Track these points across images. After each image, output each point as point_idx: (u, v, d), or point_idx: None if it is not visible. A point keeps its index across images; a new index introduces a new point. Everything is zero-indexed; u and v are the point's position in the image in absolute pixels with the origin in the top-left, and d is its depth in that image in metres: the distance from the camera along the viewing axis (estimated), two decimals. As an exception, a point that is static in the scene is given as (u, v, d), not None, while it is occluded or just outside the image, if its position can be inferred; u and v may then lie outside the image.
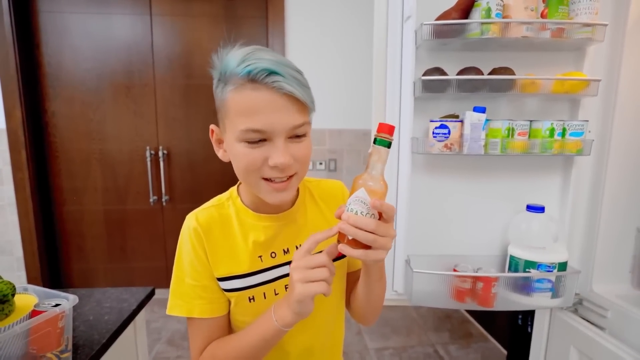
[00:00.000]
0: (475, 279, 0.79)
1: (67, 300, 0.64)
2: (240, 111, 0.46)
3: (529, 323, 1.35)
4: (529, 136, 0.81)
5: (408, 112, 0.81)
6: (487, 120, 0.80)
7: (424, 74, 0.81)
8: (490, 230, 0.92)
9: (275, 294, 0.56)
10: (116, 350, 0.80)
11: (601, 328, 0.87)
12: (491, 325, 2.06)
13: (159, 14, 2.27)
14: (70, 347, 0.66)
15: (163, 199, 2.42)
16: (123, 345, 0.84)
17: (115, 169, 2.40)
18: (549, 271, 0.80)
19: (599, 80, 0.77)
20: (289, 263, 0.55)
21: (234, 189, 0.61)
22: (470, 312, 2.28)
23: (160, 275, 2.50)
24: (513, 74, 0.80)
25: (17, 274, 2.31)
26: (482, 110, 0.78)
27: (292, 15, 2.25)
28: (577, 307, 0.95)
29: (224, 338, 0.56)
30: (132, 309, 0.85)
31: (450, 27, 0.76)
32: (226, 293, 0.55)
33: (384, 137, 0.44)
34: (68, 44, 2.24)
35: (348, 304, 0.65)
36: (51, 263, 2.44)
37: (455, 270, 0.82)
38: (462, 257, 0.90)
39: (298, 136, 0.48)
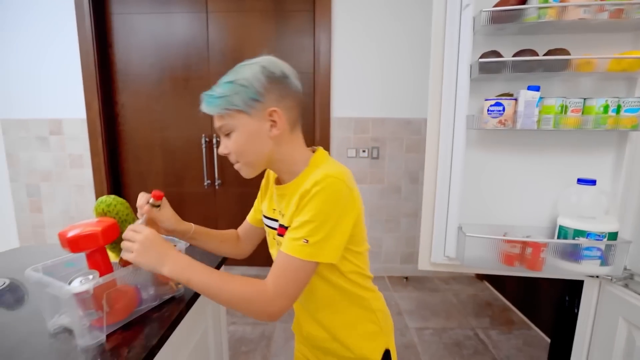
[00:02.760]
0: (525, 244, 0.86)
1: (181, 242, 0.80)
2: None
3: (576, 305, 1.36)
4: (582, 113, 0.86)
5: (464, 92, 0.89)
6: (540, 98, 0.86)
7: (481, 57, 0.88)
8: (540, 202, 0.97)
9: (273, 238, 0.75)
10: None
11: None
12: (534, 314, 2.06)
13: (214, 11, 2.45)
14: (182, 280, 0.82)
15: (216, 183, 2.63)
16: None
17: (174, 154, 2.64)
18: (598, 240, 0.84)
19: (657, 58, 0.79)
20: (276, 221, 0.72)
21: None
22: (512, 300, 2.28)
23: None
24: (568, 54, 0.85)
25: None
26: (536, 88, 0.84)
27: (338, 8, 2.34)
28: (628, 282, 0.98)
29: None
30: (219, 260, 1.01)
31: (508, 13, 0.82)
32: None
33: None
34: (135, 42, 2.49)
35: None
36: (121, 238, 2.75)
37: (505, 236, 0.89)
38: (512, 227, 0.96)
39: (227, 134, 0.65)
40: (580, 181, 0.88)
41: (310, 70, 2.45)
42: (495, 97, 0.88)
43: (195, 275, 0.62)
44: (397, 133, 2.47)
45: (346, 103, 2.43)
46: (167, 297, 0.78)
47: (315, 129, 2.49)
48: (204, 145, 2.57)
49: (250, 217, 0.87)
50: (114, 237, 0.66)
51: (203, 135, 2.57)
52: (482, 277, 2.63)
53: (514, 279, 2.24)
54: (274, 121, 0.64)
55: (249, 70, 0.62)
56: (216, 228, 0.85)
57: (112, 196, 0.73)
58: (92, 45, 2.39)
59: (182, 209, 2.68)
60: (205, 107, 0.64)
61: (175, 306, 0.77)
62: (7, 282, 0.87)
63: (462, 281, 2.62)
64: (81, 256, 0.71)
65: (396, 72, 2.39)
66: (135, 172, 2.68)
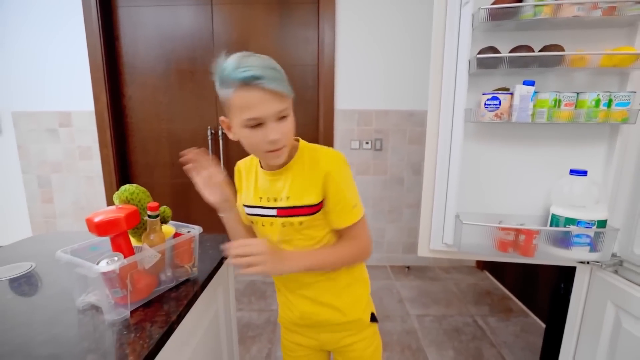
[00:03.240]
0: (518, 231, 0.91)
1: (195, 229, 0.86)
2: (241, 106, 0.64)
3: (570, 292, 1.42)
4: (575, 107, 0.90)
5: (462, 86, 0.92)
6: (535, 92, 0.90)
7: (479, 53, 0.92)
8: (533, 192, 1.02)
9: (262, 225, 0.78)
10: (218, 277, 1.02)
11: (639, 285, 0.95)
12: (532, 302, 2.11)
13: (218, 3, 2.47)
14: (196, 263, 0.88)
15: (222, 174, 2.68)
16: (221, 275, 1.07)
17: (180, 146, 2.66)
18: (587, 227, 0.89)
19: (647, 54, 0.83)
20: (272, 208, 0.76)
21: None
22: (511, 289, 2.34)
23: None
24: (563, 50, 0.88)
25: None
26: (531, 83, 0.88)
27: (342, 1, 2.35)
28: (618, 268, 1.03)
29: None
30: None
31: (505, 10, 0.85)
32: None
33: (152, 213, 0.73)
34: (141, 35, 2.52)
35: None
36: (130, 227, 2.83)
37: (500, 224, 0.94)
38: (507, 215, 1.01)
39: (283, 117, 0.66)
40: (573, 172, 0.93)
41: (314, 63, 2.48)
42: (492, 92, 0.92)
43: (313, 261, 0.74)
44: (400, 125, 2.50)
45: (350, 95, 2.46)
46: (182, 279, 0.85)
47: (319, 120, 2.53)
48: (209, 137, 2.62)
49: (245, 219, 0.84)
50: (135, 222, 0.72)
51: (209, 127, 2.62)
52: (482, 267, 2.69)
53: (513, 269, 2.30)
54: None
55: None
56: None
57: (135, 185, 0.78)
58: (99, 38, 2.43)
59: (188, 200, 2.74)
60: (277, 86, 0.63)
61: (190, 287, 0.83)
62: (34, 265, 0.94)
63: (463, 271, 2.68)
64: (103, 241, 0.77)
65: (399, 65, 2.42)
66: (142, 163, 2.73)
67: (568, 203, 0.93)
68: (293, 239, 0.76)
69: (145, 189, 0.80)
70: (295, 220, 0.74)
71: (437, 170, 1.00)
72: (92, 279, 0.66)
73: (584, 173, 0.91)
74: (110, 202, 2.66)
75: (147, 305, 0.74)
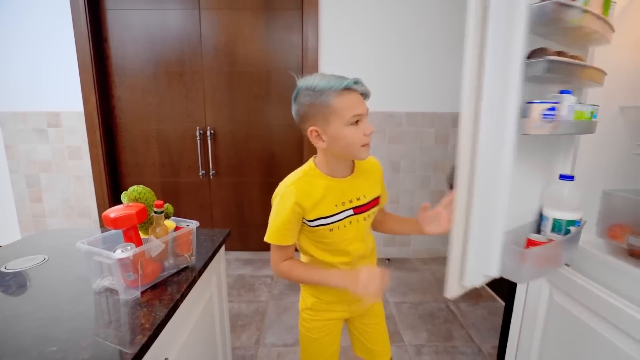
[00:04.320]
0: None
1: (193, 223, 0.98)
2: (347, 107, 0.77)
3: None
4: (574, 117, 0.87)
5: (515, 93, 0.74)
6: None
7: (529, 56, 0.82)
8: (528, 200, 1.07)
9: (344, 227, 0.88)
10: (212, 267, 1.15)
11: (568, 265, 1.12)
12: (499, 288, 2.31)
13: (206, 8, 2.55)
14: (194, 253, 1.01)
15: (210, 173, 2.76)
16: (214, 265, 1.20)
17: (169, 146, 2.75)
18: (577, 226, 0.98)
19: None
20: (351, 208, 0.88)
21: (310, 165, 0.89)
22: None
23: (208, 238, 2.89)
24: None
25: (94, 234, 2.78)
26: (569, 93, 0.86)
27: (325, 7, 2.46)
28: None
29: (299, 264, 0.90)
30: (220, 241, 1.20)
31: (562, 8, 0.75)
32: (314, 227, 0.86)
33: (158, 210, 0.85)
34: (130, 37, 2.57)
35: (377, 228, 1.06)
36: (120, 225, 2.89)
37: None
38: (513, 230, 0.99)
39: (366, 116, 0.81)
40: (562, 177, 0.99)
41: (298, 66, 2.60)
42: (549, 101, 0.83)
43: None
44: (380, 125, 2.64)
45: (332, 98, 2.58)
46: (182, 266, 0.97)
47: (303, 122, 2.65)
48: (198, 137, 2.70)
49: (295, 239, 0.89)
50: (144, 218, 0.84)
51: (197, 127, 2.70)
52: (456, 258, 2.88)
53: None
54: None
55: None
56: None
57: (142, 186, 0.90)
58: (87, 40, 2.47)
59: (178, 198, 2.82)
60: (367, 90, 0.81)
61: (189, 273, 0.95)
62: (47, 257, 1.04)
63: (440, 262, 2.86)
64: (112, 235, 0.89)
65: (379, 68, 2.54)
66: (132, 163, 2.79)
67: (564, 206, 0.99)
68: (366, 231, 0.93)
69: (150, 189, 0.92)
70: (371, 211, 0.92)
71: (475, 192, 0.78)
72: (108, 265, 0.78)
73: (571, 178, 0.98)
74: (100, 201, 2.72)
75: (153, 287, 0.87)
